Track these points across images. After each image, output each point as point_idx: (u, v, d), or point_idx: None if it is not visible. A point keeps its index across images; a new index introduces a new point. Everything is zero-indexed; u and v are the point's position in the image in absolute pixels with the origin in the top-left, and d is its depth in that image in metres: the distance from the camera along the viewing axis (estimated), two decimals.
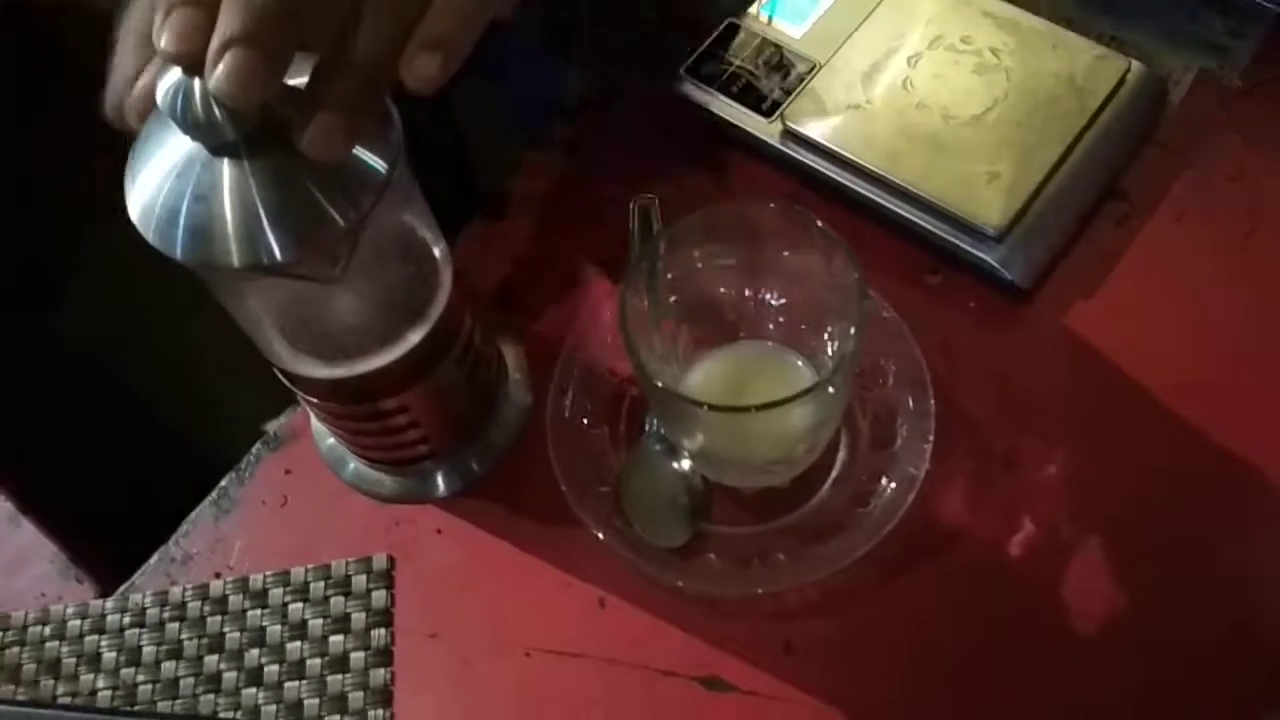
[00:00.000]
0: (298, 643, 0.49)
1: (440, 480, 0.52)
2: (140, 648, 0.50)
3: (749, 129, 0.57)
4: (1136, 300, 0.52)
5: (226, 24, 0.32)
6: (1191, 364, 0.50)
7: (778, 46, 0.58)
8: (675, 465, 0.49)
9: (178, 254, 0.35)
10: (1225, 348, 0.50)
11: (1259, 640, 0.44)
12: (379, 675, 0.48)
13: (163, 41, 0.32)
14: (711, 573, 0.48)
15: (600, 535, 0.48)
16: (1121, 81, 0.54)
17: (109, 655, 0.50)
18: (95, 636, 0.51)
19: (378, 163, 0.36)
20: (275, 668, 0.49)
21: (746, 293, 0.48)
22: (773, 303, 0.48)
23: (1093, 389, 0.50)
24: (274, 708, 0.48)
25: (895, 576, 0.47)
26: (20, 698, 0.50)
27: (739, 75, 0.58)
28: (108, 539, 0.54)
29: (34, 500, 0.55)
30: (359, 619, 0.49)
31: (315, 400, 0.47)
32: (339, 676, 0.48)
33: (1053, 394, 0.50)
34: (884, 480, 0.48)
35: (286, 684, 0.49)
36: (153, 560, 0.52)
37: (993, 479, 0.49)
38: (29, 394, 0.60)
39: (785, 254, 0.46)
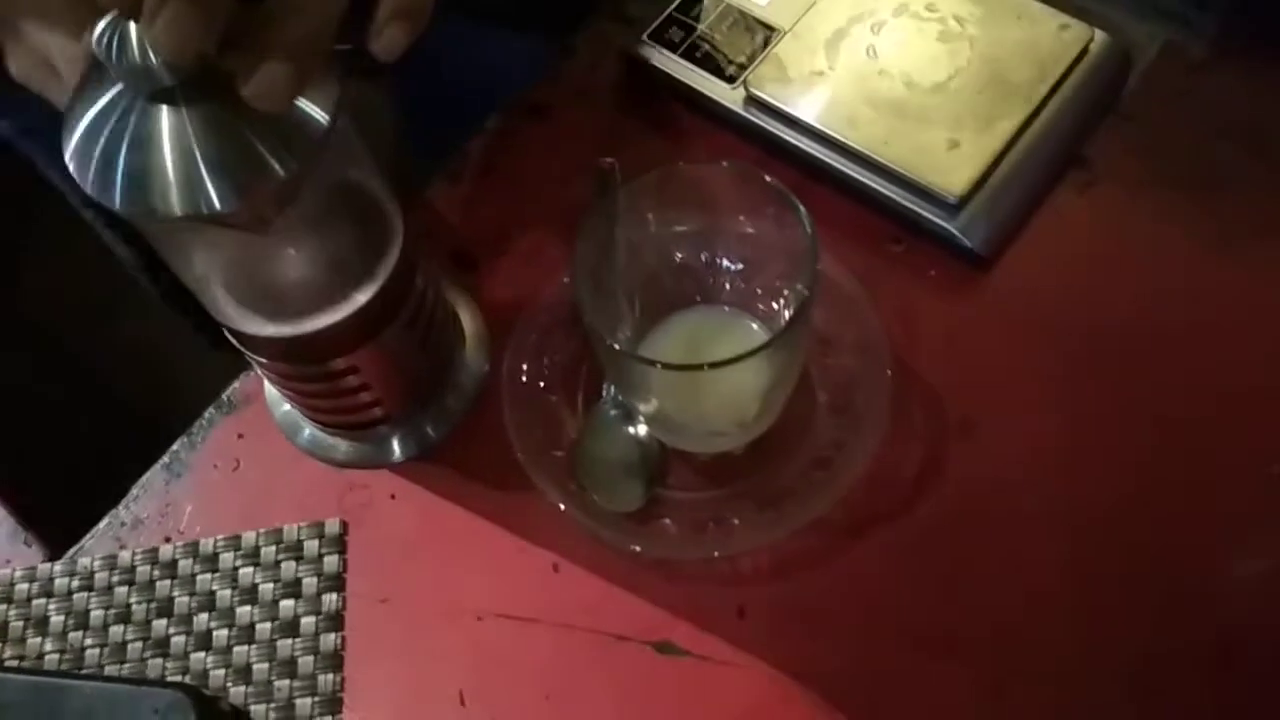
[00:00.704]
0: (248, 607, 0.49)
1: (396, 445, 0.51)
2: (89, 611, 0.50)
3: (712, 95, 0.56)
4: (1097, 269, 0.52)
5: None
6: (1151, 333, 0.50)
7: (741, 12, 0.58)
8: (631, 430, 0.49)
9: (115, 203, 0.35)
10: (1186, 317, 0.50)
11: (1210, 610, 0.44)
12: (329, 640, 0.48)
13: None
14: (667, 538, 0.47)
15: (555, 501, 0.47)
16: (1084, 51, 0.54)
17: (57, 619, 0.50)
18: (43, 600, 0.50)
19: (318, 114, 0.36)
20: (225, 632, 0.49)
21: (703, 257, 0.48)
22: (729, 267, 0.48)
23: (1051, 357, 0.50)
24: (223, 672, 0.48)
25: (848, 542, 0.47)
26: None
27: (702, 41, 0.57)
28: (58, 503, 0.54)
29: None
30: (310, 584, 0.49)
31: (265, 361, 0.46)
32: (289, 641, 0.48)
33: (1011, 362, 0.50)
34: (840, 446, 0.47)
35: (235, 648, 0.48)
36: (102, 524, 0.52)
37: (949, 446, 0.48)
38: None
39: (740, 218, 0.46)
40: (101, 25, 0.33)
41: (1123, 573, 0.45)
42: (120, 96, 0.34)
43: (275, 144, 0.35)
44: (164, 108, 0.34)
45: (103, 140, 0.35)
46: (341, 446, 0.52)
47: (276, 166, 0.35)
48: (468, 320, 0.54)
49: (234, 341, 0.45)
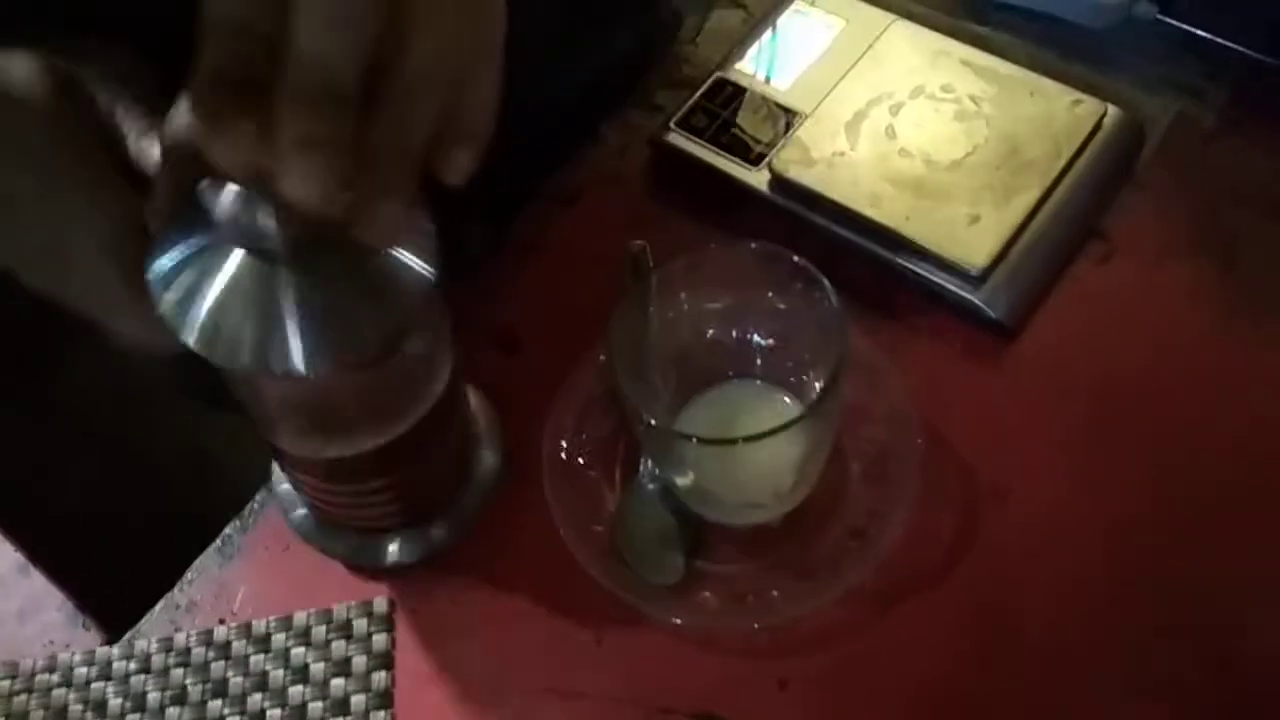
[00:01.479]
0: (300, 687, 0.50)
1: (396, 550, 0.52)
2: (146, 694, 0.51)
3: (738, 178, 0.58)
4: (1119, 337, 0.53)
5: (296, 127, 0.30)
6: (1172, 398, 0.51)
7: (764, 98, 0.60)
8: (669, 504, 0.50)
9: (202, 351, 0.35)
10: (1205, 382, 0.51)
11: (1250, 668, 0.45)
12: (379, 718, 0.49)
13: (217, 156, 0.31)
14: (707, 610, 0.48)
15: (596, 575, 0.49)
16: (1099, 125, 0.56)
17: (115, 702, 0.51)
18: (102, 683, 0.52)
19: (418, 263, 0.36)
20: (278, 712, 0.50)
21: (734, 334, 0.50)
22: (760, 343, 0.50)
23: (1079, 423, 0.51)
24: None
25: (887, 611, 0.48)
26: None
27: (727, 126, 0.60)
28: (115, 587, 0.55)
29: (43, 550, 0.56)
30: (360, 662, 0.50)
31: (306, 476, 0.47)
32: None
33: (1038, 429, 0.51)
34: (875, 515, 0.48)
35: None
36: (158, 607, 0.53)
37: (982, 513, 0.49)
38: (37, 448, 0.61)
39: (770, 295, 0.48)
40: (216, 189, 0.34)
41: (1161, 632, 0.46)
42: (222, 252, 0.35)
43: (377, 305, 0.36)
44: (259, 261, 0.34)
45: (195, 290, 0.35)
46: (341, 548, 0.52)
47: (374, 332, 0.36)
48: (481, 416, 0.54)
49: (275, 457, 0.46)
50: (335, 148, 0.31)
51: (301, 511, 0.53)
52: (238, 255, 0.35)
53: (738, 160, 0.59)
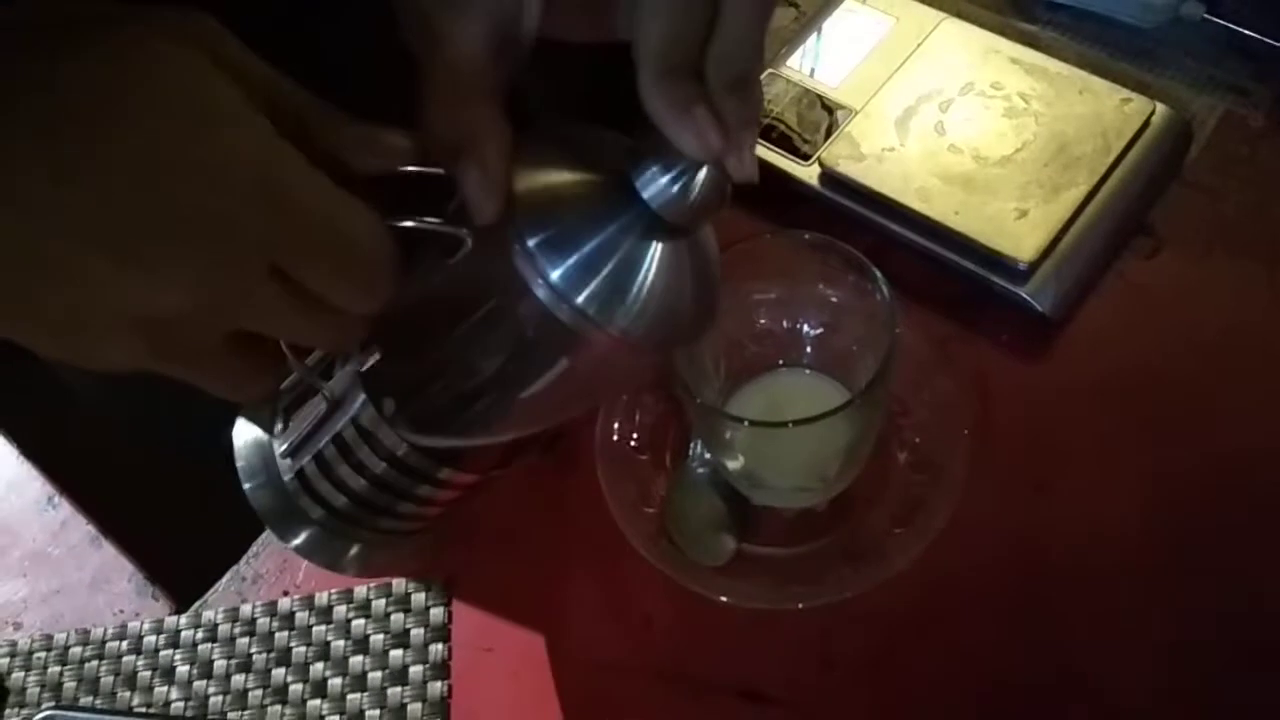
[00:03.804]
0: (360, 657, 0.52)
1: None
2: (212, 661, 0.53)
3: (788, 172, 0.60)
4: (1165, 331, 0.54)
5: (741, 111, 0.34)
6: (1218, 394, 0.51)
7: (815, 95, 0.61)
8: (718, 487, 0.51)
9: (648, 338, 0.36)
10: (1251, 377, 0.52)
11: None
12: (436, 688, 0.51)
13: (686, 143, 0.33)
14: (754, 590, 0.50)
15: (647, 555, 0.50)
16: (1147, 123, 0.57)
17: (182, 668, 0.53)
18: (170, 651, 0.54)
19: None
20: (338, 680, 0.52)
21: (785, 323, 0.51)
22: (809, 332, 0.51)
23: (1123, 417, 0.52)
24: (337, 718, 0.51)
25: (932, 596, 0.49)
26: (100, 707, 0.53)
27: (778, 123, 0.61)
28: (183, 559, 0.57)
29: (114, 523, 0.58)
30: (418, 634, 0.52)
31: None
32: (398, 689, 0.51)
33: (1083, 422, 0.52)
34: (920, 503, 0.49)
35: (349, 696, 0.51)
36: (225, 579, 0.55)
37: (1026, 504, 0.50)
38: (108, 428, 0.64)
39: (820, 286, 0.49)
40: (655, 167, 0.35)
41: (1207, 626, 0.46)
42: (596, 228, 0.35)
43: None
44: (661, 238, 0.36)
45: (622, 271, 0.35)
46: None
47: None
48: None
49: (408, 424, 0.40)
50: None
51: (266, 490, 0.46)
52: (642, 235, 0.35)
53: (788, 155, 0.60)
